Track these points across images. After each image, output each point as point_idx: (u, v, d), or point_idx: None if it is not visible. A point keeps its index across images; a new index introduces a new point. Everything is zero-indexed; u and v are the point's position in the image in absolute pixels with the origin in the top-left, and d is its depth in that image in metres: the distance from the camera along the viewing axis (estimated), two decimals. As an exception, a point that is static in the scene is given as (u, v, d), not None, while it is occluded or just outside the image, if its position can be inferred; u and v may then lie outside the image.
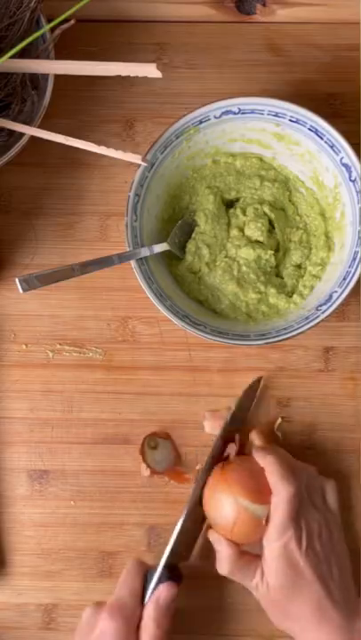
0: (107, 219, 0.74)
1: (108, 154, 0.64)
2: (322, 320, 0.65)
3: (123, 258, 0.66)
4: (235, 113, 0.68)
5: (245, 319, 0.69)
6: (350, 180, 0.67)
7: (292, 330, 0.65)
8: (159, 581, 0.65)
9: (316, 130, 0.67)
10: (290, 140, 0.69)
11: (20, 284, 0.62)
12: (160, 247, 0.68)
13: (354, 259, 0.66)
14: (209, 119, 0.68)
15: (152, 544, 0.71)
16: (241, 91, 0.72)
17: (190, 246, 0.71)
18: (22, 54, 0.65)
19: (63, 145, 0.65)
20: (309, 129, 0.67)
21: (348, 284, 0.65)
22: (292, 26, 0.75)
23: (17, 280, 0.62)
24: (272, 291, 0.69)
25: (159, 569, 0.66)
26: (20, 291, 0.62)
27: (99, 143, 0.64)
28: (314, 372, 0.72)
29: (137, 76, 0.63)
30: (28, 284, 0.62)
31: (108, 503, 0.72)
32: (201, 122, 0.68)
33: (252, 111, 0.67)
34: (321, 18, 0.74)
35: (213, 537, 0.67)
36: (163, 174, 0.69)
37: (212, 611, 0.71)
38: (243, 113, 0.68)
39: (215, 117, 0.68)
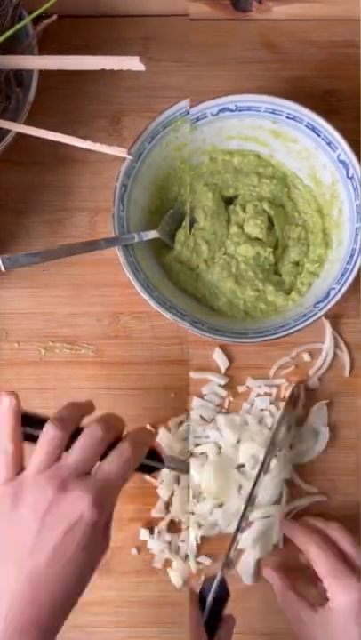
0: (95, 215, 0.74)
1: (94, 148, 0.64)
2: (320, 317, 0.65)
3: (110, 242, 0.66)
4: (231, 110, 0.68)
5: (243, 317, 0.69)
6: (348, 177, 0.67)
7: (289, 327, 0.65)
8: (214, 596, 0.64)
9: (313, 127, 0.67)
10: (287, 138, 0.69)
11: (3, 262, 0.62)
12: (150, 234, 0.68)
13: (352, 255, 0.66)
14: (206, 117, 0.68)
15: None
16: (237, 88, 0.72)
17: (180, 235, 0.70)
18: (5, 51, 0.65)
19: (50, 141, 0.65)
20: (306, 126, 0.67)
21: (345, 280, 0.65)
22: (289, 23, 0.75)
23: (0, 258, 0.62)
24: (270, 288, 0.69)
25: (216, 583, 0.64)
26: (2, 269, 0.62)
27: (86, 138, 0.64)
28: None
29: (127, 72, 0.62)
30: (11, 262, 0.63)
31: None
32: (198, 119, 0.68)
33: (249, 108, 0.67)
34: (317, 15, 0.74)
35: (266, 571, 0.67)
36: (150, 165, 0.68)
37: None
38: (239, 110, 0.68)
39: (212, 115, 0.68)
